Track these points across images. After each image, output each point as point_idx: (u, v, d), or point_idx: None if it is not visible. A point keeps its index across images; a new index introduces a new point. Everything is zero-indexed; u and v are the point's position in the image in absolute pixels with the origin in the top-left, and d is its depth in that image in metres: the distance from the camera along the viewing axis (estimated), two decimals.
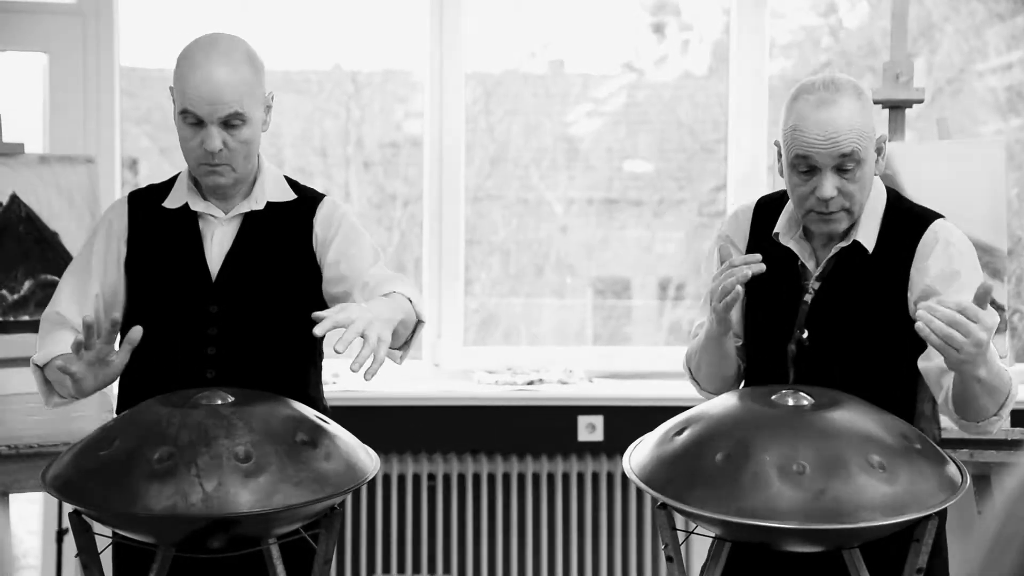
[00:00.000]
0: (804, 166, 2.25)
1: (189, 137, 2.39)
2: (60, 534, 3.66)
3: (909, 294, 2.32)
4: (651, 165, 4.73)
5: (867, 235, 2.35)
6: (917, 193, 3.29)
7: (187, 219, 2.49)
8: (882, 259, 2.34)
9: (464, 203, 4.40)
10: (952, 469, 2.22)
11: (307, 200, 2.54)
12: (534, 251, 4.67)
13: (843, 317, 2.35)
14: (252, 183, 2.50)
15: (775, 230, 2.41)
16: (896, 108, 3.44)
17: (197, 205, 2.49)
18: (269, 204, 2.50)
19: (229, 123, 2.37)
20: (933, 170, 3.29)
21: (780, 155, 2.32)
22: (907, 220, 2.36)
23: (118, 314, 2.41)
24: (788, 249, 2.39)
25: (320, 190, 2.62)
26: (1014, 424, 3.22)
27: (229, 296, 2.46)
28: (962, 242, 2.34)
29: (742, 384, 2.51)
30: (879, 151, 2.32)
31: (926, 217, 2.37)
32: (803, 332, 2.37)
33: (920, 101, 3.43)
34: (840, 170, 2.24)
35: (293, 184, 2.57)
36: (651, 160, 4.72)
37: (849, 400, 2.26)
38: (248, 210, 2.49)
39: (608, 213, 4.70)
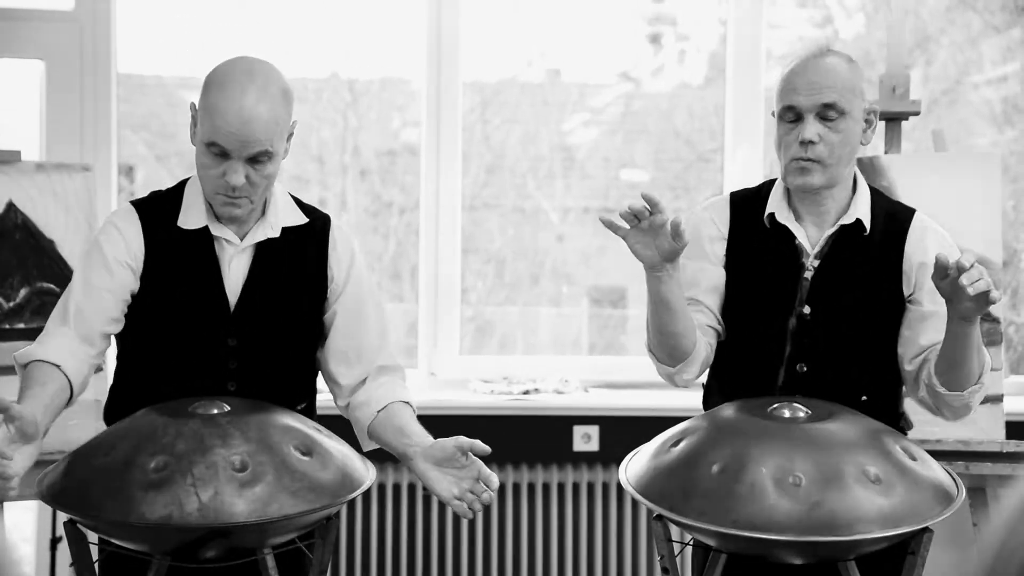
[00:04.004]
0: (791, 115, 2.40)
1: (210, 166, 2.30)
2: (54, 542, 3.65)
3: (904, 274, 2.45)
4: (647, 174, 4.73)
5: (865, 216, 2.46)
6: (913, 204, 3.29)
7: (204, 243, 2.41)
8: (877, 240, 2.46)
9: (460, 211, 4.40)
10: (947, 481, 2.23)
11: (317, 224, 2.49)
12: (530, 260, 4.68)
13: (843, 293, 2.44)
14: (264, 206, 2.43)
15: (769, 211, 2.49)
16: (892, 120, 3.45)
17: (216, 229, 2.40)
18: (283, 230, 2.44)
19: (255, 159, 2.29)
20: (929, 182, 3.30)
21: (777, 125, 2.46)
22: (893, 208, 2.52)
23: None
24: (779, 231, 2.48)
25: (317, 198, 2.60)
26: (1010, 436, 3.23)
27: (247, 327, 2.41)
28: (942, 231, 2.52)
29: (702, 362, 2.51)
30: (868, 122, 2.45)
31: (908, 208, 2.54)
32: (804, 307, 2.44)
33: (916, 113, 3.44)
34: (824, 119, 2.38)
35: (299, 204, 2.51)
36: (647, 169, 4.73)
37: (845, 412, 2.27)
38: (264, 237, 2.42)
39: None
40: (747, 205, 2.53)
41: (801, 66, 2.41)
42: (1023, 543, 0.85)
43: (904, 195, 3.30)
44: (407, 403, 2.49)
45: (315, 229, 2.48)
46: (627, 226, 2.27)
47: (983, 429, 3.20)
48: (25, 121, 4.20)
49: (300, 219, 2.48)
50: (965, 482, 2.39)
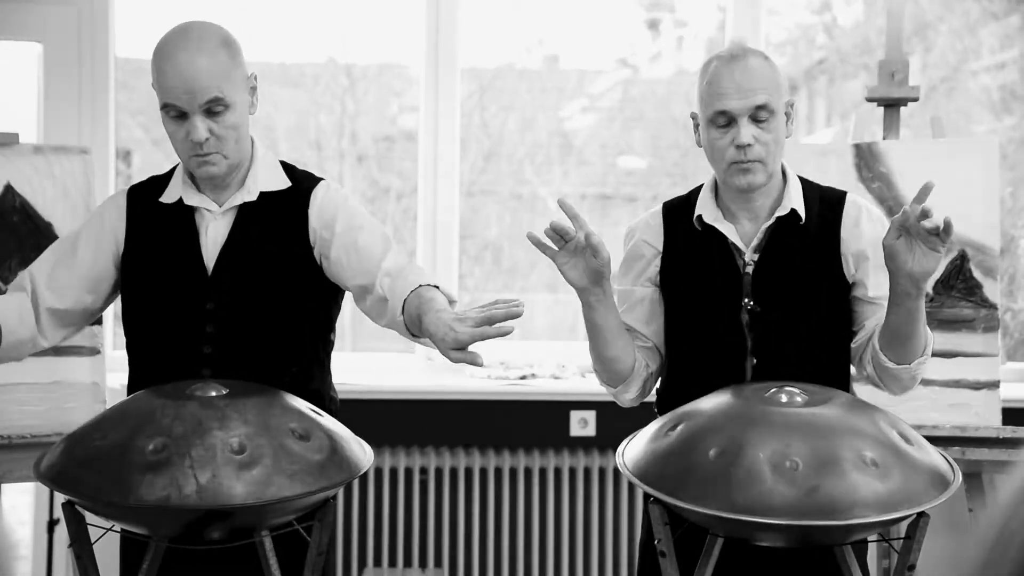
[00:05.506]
0: (723, 120, 2.39)
1: (175, 131, 2.36)
2: (51, 524, 3.66)
3: (843, 258, 2.46)
4: (645, 161, 4.73)
5: (799, 205, 2.48)
6: (910, 191, 3.30)
7: (183, 214, 2.47)
8: (812, 229, 2.47)
9: (458, 197, 4.39)
10: (944, 466, 2.23)
11: (302, 187, 2.50)
12: (527, 246, 4.66)
13: (784, 284, 2.46)
14: (246, 172, 2.47)
15: (697, 213, 2.50)
16: (891, 106, 3.45)
17: (191, 199, 2.46)
18: (262, 194, 2.47)
19: (212, 111, 2.34)
20: (926, 168, 3.30)
21: (696, 126, 2.48)
22: (824, 196, 2.52)
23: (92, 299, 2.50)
24: (710, 232, 2.49)
25: None
26: (1007, 422, 3.23)
27: (225, 292, 2.44)
28: (877, 212, 2.54)
29: (653, 377, 2.57)
30: (787, 115, 2.45)
31: (839, 192, 2.54)
32: (751, 301, 2.45)
33: (915, 99, 3.44)
34: (755, 120, 2.38)
35: (289, 169, 2.53)
36: (645, 156, 4.73)
37: (842, 397, 2.27)
38: (241, 202, 2.46)
39: (602, 209, 4.71)
40: (679, 213, 2.54)
41: (727, 69, 2.39)
42: (1021, 529, 0.85)
43: (901, 181, 3.30)
44: (432, 286, 2.34)
45: (298, 192, 2.49)
46: (554, 246, 2.34)
47: (980, 415, 3.20)
48: (23, 103, 4.19)
49: (283, 183, 2.50)
50: (961, 467, 2.39)
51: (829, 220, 2.48)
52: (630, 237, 2.59)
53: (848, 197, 2.51)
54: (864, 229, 2.46)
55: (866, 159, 3.33)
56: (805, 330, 2.45)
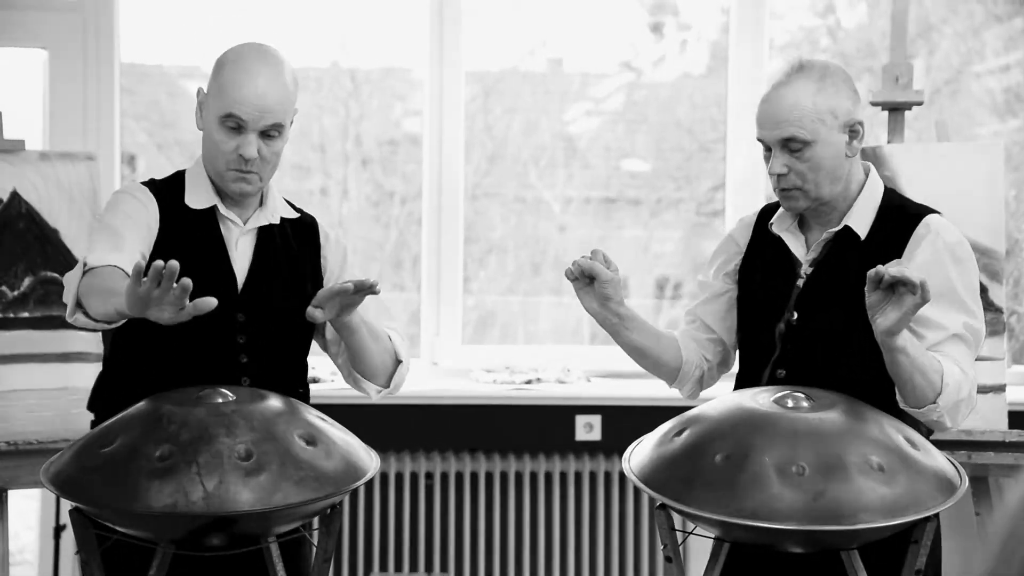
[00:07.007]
0: (764, 145, 2.41)
1: (224, 141, 2.38)
2: (58, 530, 3.66)
3: None
4: (649, 165, 4.73)
5: (860, 222, 2.42)
6: (915, 194, 3.29)
7: (211, 223, 2.48)
8: (873, 247, 2.40)
9: (462, 201, 4.40)
10: (950, 471, 2.23)
11: (306, 219, 2.60)
12: (532, 250, 4.68)
13: (831, 299, 2.41)
14: (262, 195, 2.52)
15: (771, 220, 2.51)
16: (895, 110, 3.45)
17: (223, 210, 2.48)
18: (282, 219, 2.54)
19: (268, 133, 2.39)
20: (931, 171, 3.30)
21: None
22: (902, 213, 2.43)
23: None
24: (781, 239, 2.49)
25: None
26: (1013, 426, 3.23)
27: (254, 306, 2.47)
28: (953, 239, 2.38)
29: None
30: (855, 134, 2.39)
31: (921, 211, 2.44)
32: (793, 313, 2.43)
33: (919, 103, 3.44)
34: (789, 150, 2.36)
35: (287, 202, 2.62)
36: (649, 160, 4.73)
37: (848, 402, 2.27)
38: (267, 222, 2.51)
39: (606, 212, 4.71)
40: (771, 216, 2.54)
41: (766, 97, 2.40)
42: None
43: (907, 185, 3.30)
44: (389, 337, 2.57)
45: (306, 224, 2.60)
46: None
47: (986, 419, 3.20)
48: (28, 110, 4.20)
49: (291, 213, 2.58)
50: (968, 471, 2.39)
51: (894, 242, 2.39)
52: (730, 233, 2.64)
53: (925, 219, 2.40)
54: (918, 254, 2.36)
55: (870, 163, 3.33)
56: (843, 350, 2.37)
